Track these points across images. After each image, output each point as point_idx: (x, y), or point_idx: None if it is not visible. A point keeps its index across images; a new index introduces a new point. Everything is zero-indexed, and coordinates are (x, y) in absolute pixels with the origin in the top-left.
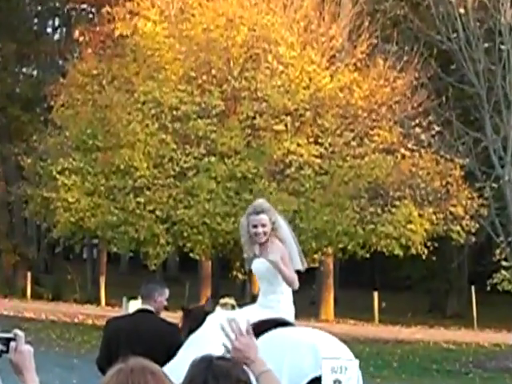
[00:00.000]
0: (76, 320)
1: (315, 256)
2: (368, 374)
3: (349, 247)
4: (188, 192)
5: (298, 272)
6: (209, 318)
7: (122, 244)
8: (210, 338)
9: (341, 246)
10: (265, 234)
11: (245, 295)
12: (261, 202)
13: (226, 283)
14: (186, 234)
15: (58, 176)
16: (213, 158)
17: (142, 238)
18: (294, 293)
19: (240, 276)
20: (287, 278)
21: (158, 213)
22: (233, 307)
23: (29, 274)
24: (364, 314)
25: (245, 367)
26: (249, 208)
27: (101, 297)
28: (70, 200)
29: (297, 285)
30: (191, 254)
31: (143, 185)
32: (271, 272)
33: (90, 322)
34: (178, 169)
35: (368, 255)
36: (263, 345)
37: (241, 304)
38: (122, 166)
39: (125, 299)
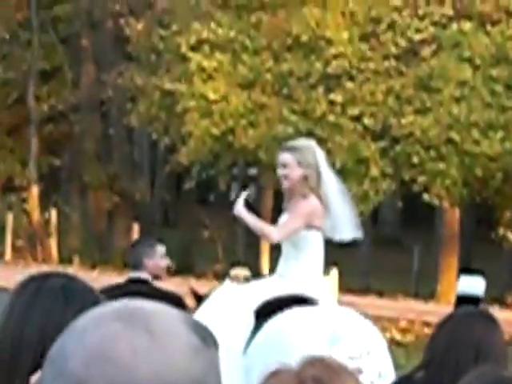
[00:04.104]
0: None
1: None
2: None
3: None
4: (421, 84)
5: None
6: (212, 295)
7: None
8: (210, 320)
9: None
10: (285, 177)
11: None
12: (300, 140)
13: (485, 249)
14: (415, 161)
15: (189, 54)
16: (467, 24)
17: (339, 167)
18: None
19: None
20: (253, 229)
21: (366, 121)
22: (246, 280)
23: (135, 228)
24: None
25: None
26: None
27: (262, 272)
28: (212, 97)
29: (273, 238)
30: (425, 196)
31: (342, 70)
32: (297, 233)
33: None
34: (403, 43)
35: None
36: (271, 333)
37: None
38: (304, 37)
39: None
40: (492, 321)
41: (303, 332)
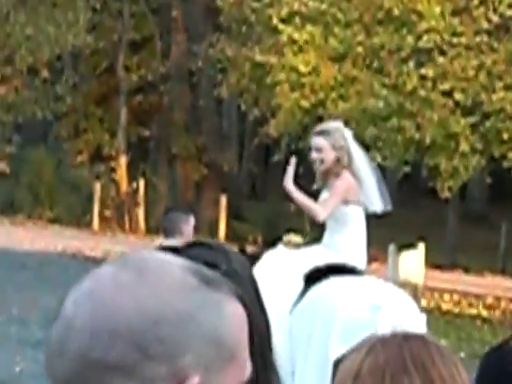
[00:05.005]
0: None
1: None
2: None
3: None
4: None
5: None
6: (264, 256)
7: (392, 150)
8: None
9: None
10: (321, 161)
11: None
12: (330, 122)
13: None
14: (505, 137)
15: (280, 26)
16: None
17: (429, 142)
18: None
19: None
20: (304, 209)
21: (457, 96)
22: (297, 246)
23: (223, 200)
24: None
25: None
26: None
27: None
28: (302, 69)
29: (319, 218)
30: None
31: (433, 45)
32: (338, 208)
33: None
34: (496, 18)
35: None
36: (317, 297)
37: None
38: (395, 10)
39: (392, 247)
40: None
41: (347, 299)
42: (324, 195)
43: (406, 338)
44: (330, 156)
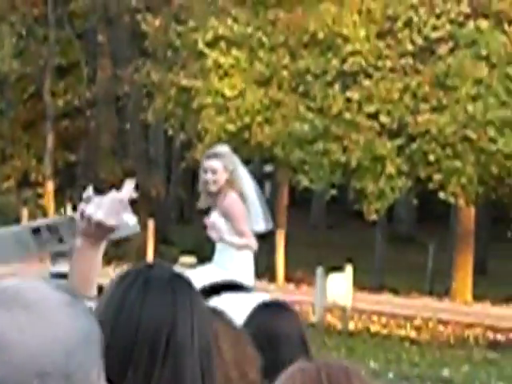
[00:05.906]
0: None
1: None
2: None
3: None
4: (437, 82)
5: None
6: None
7: (319, 173)
8: None
9: None
10: (214, 182)
11: None
12: (219, 146)
13: (501, 247)
14: (431, 159)
15: (206, 50)
16: (484, 23)
17: (355, 164)
18: None
19: None
20: (238, 247)
21: (383, 119)
22: (192, 267)
23: (151, 224)
24: None
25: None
26: None
27: (277, 267)
28: (228, 93)
29: (252, 249)
30: (440, 194)
31: (358, 68)
32: (226, 227)
33: None
34: (419, 41)
35: None
36: None
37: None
38: (320, 34)
39: (320, 270)
40: None
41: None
42: (214, 215)
43: (326, 363)
44: (222, 177)
